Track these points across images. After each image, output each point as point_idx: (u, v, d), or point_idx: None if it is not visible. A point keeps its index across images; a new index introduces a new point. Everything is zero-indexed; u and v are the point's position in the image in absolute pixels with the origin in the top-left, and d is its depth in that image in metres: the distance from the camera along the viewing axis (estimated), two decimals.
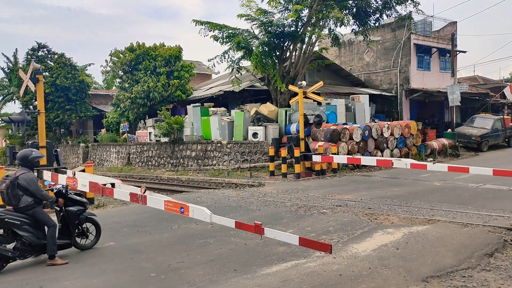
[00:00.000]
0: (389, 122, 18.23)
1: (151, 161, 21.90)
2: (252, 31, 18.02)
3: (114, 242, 6.71)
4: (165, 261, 5.66)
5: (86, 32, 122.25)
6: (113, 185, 6.59)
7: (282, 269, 5.15)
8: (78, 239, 6.29)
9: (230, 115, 19.22)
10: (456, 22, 27.09)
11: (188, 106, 21.52)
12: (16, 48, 61.36)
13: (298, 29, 17.75)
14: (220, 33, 17.85)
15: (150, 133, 22.94)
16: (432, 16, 26.54)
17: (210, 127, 19.15)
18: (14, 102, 34.75)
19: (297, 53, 18.72)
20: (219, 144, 18.12)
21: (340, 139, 15.49)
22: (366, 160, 12.32)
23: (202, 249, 6.17)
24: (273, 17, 17.57)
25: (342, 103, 19.38)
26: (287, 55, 18.89)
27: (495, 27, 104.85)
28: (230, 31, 17.73)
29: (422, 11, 19.48)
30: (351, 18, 18.58)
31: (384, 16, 19.29)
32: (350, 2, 17.89)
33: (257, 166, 16.19)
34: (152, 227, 7.65)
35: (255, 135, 17.02)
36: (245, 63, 19.09)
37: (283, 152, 14.28)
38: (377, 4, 18.56)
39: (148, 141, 22.89)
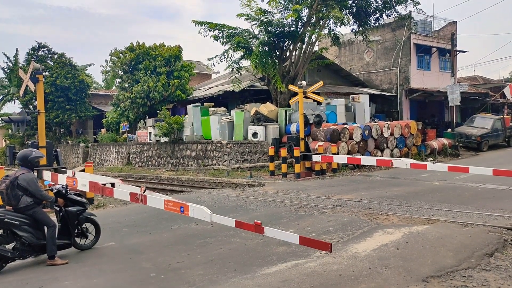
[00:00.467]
0: (389, 122, 18.22)
1: (151, 161, 21.90)
2: (252, 31, 18.03)
3: (114, 242, 6.71)
4: (165, 261, 5.66)
5: (86, 32, 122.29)
6: (113, 185, 6.59)
7: (282, 269, 5.15)
8: (77, 239, 6.28)
9: (230, 115, 19.22)
10: (456, 22, 27.10)
11: (188, 106, 21.52)
12: (17, 48, 61.23)
13: (298, 29, 17.74)
14: (220, 32, 17.86)
15: (150, 133, 22.94)
16: (432, 16, 26.55)
17: (210, 127, 19.15)
18: (14, 102, 34.73)
19: (297, 53, 18.72)
20: (219, 144, 18.12)
21: (340, 139, 15.49)
22: (366, 160, 12.31)
23: (202, 249, 6.16)
24: (273, 16, 17.57)
25: (342, 103, 19.38)
26: (287, 55, 18.89)
27: (495, 27, 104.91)
28: (230, 31, 17.73)
29: (422, 11, 19.51)
30: (351, 18, 18.59)
31: (384, 16, 19.31)
32: (350, 2, 17.90)
33: (257, 166, 16.19)
34: (152, 227, 7.65)
35: (255, 135, 17.02)
36: (245, 63, 19.12)
37: (283, 152, 14.28)
38: (377, 4, 18.56)
39: (148, 141, 22.88)
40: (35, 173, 7.22)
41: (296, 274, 4.94)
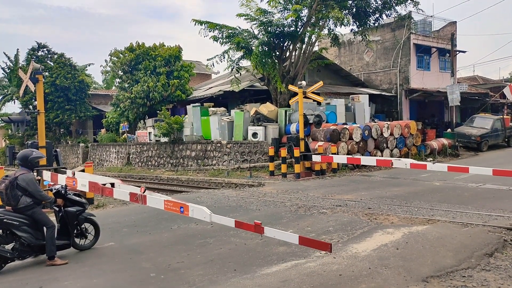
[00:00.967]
0: (388, 122, 18.23)
1: (151, 161, 21.90)
2: (251, 31, 18.03)
3: (114, 242, 6.71)
4: (165, 261, 5.66)
5: (86, 32, 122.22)
6: (112, 185, 6.59)
7: (282, 269, 5.15)
8: (77, 240, 6.28)
9: (230, 115, 19.21)
10: (455, 22, 27.11)
11: (188, 106, 21.52)
12: (18, 49, 61.06)
13: (298, 29, 17.74)
14: (219, 33, 17.85)
15: (149, 133, 22.93)
16: (431, 16, 26.56)
17: (210, 127, 19.14)
18: (14, 102, 34.77)
19: (297, 53, 18.72)
20: (219, 144, 18.11)
21: (340, 139, 15.49)
22: (365, 160, 12.32)
23: (202, 249, 6.16)
24: (273, 17, 17.57)
25: (342, 103, 19.38)
26: (287, 55, 18.89)
27: (494, 27, 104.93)
28: (229, 31, 17.72)
29: (422, 10, 19.50)
30: (350, 18, 18.58)
31: (384, 16, 19.30)
32: (350, 2, 17.89)
33: (257, 166, 16.19)
34: (152, 227, 7.65)
35: (255, 135, 17.02)
36: (245, 63, 19.12)
37: (283, 152, 14.28)
38: (376, 4, 18.56)
39: (148, 141, 22.88)
40: (35, 174, 7.21)
41: (296, 274, 4.94)
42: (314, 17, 17.36)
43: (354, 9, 18.40)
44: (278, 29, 17.41)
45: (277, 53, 18.46)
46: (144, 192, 5.85)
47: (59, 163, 9.88)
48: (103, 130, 28.99)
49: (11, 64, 33.14)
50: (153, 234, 7.16)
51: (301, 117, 14.17)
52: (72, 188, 6.68)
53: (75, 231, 6.22)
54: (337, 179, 13.39)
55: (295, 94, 15.02)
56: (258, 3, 18.76)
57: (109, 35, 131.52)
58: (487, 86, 31.17)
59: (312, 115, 16.16)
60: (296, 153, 13.67)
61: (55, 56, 30.25)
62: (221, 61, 18.51)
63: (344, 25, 18.29)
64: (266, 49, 17.59)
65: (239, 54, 18.31)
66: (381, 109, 24.72)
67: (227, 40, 17.81)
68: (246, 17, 17.53)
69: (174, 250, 6.16)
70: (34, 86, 10.03)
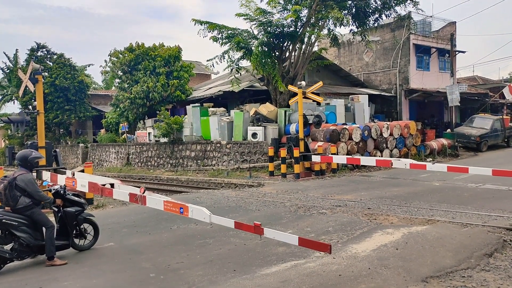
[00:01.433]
0: (388, 122, 18.23)
1: (151, 162, 21.89)
2: (251, 31, 18.01)
3: (113, 243, 6.70)
4: (164, 262, 5.66)
5: (86, 32, 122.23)
6: (112, 185, 6.59)
7: (282, 270, 5.15)
8: (76, 240, 6.27)
9: (229, 115, 19.21)
10: (455, 22, 27.12)
11: (187, 106, 21.51)
12: (17, 49, 61.01)
13: (298, 29, 17.74)
14: (219, 33, 17.83)
15: (149, 133, 22.92)
16: (431, 16, 26.57)
17: (209, 127, 19.14)
18: (14, 102, 34.74)
19: (296, 53, 18.72)
20: (218, 144, 18.11)
21: (340, 139, 15.49)
22: (365, 160, 12.31)
23: (201, 249, 6.16)
24: (272, 17, 17.55)
25: (341, 103, 19.38)
26: (287, 55, 18.89)
27: (494, 27, 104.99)
28: (229, 32, 17.71)
29: (422, 10, 19.49)
30: (350, 18, 18.58)
31: (384, 16, 19.29)
32: (350, 2, 17.90)
33: (257, 166, 16.19)
34: (152, 228, 7.64)
35: (254, 135, 17.01)
36: (244, 63, 19.11)
37: (283, 152, 14.28)
38: (376, 4, 18.55)
39: (148, 142, 22.87)
40: (34, 174, 7.21)
41: (295, 275, 4.94)
42: (313, 17, 17.36)
43: (354, 9, 18.40)
44: (277, 29, 17.40)
45: (277, 53, 18.45)
46: (143, 193, 5.85)
47: (59, 163, 9.88)
48: (102, 131, 28.98)
49: (10, 65, 33.13)
50: (152, 235, 7.16)
51: (301, 118, 14.17)
52: (71, 189, 6.68)
53: (74, 232, 6.21)
54: (336, 180, 13.39)
55: (295, 94, 15.02)
56: (257, 3, 18.71)
57: (109, 35, 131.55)
58: (486, 86, 31.18)
59: (311, 115, 16.16)
60: (296, 153, 13.67)
61: (55, 57, 30.25)
62: (221, 62, 18.52)
63: (344, 26, 18.32)
64: (266, 49, 17.59)
65: (239, 54, 18.31)
66: (380, 109, 24.73)
67: (227, 40, 17.80)
68: (246, 17, 17.51)
69: (173, 251, 6.15)
70: (34, 87, 10.03)
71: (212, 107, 20.62)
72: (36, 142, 10.03)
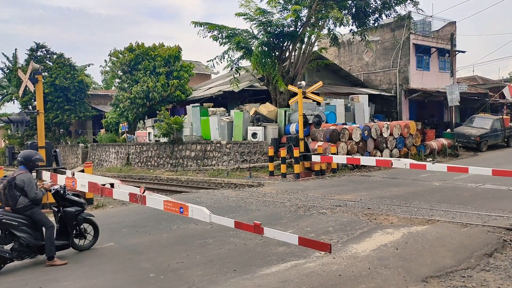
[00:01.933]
0: (388, 122, 18.22)
1: (150, 161, 21.89)
2: (251, 31, 18.02)
3: (113, 243, 6.70)
4: (164, 262, 5.65)
5: (85, 32, 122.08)
6: (112, 185, 6.59)
7: (282, 270, 5.15)
8: (76, 240, 6.27)
9: (229, 115, 19.21)
10: (455, 22, 27.10)
11: (187, 106, 21.51)
12: (16, 48, 61.06)
13: (298, 29, 17.74)
14: (219, 33, 17.84)
15: (149, 133, 22.92)
16: (431, 16, 26.55)
17: (209, 127, 19.14)
18: (13, 102, 34.74)
19: (296, 53, 18.72)
20: (218, 144, 18.11)
21: (340, 139, 15.49)
22: (365, 160, 12.32)
23: (201, 249, 6.16)
24: (272, 17, 17.54)
25: (341, 103, 19.38)
26: (287, 55, 18.88)
27: (494, 27, 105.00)
28: (229, 31, 17.71)
29: (421, 10, 19.49)
30: (350, 18, 18.58)
31: (384, 16, 19.30)
32: (350, 2, 17.89)
33: (257, 166, 16.19)
34: (152, 228, 7.64)
35: (254, 135, 17.01)
36: (244, 63, 19.11)
37: (283, 152, 14.27)
38: (376, 4, 18.56)
39: (148, 141, 22.87)
40: (34, 174, 7.21)
41: (295, 275, 4.94)
42: (313, 17, 17.36)
43: (354, 9, 18.40)
44: (277, 29, 17.40)
45: (277, 53, 18.45)
46: (143, 193, 5.85)
47: (59, 163, 9.88)
48: (102, 130, 28.97)
49: (10, 65, 33.12)
50: (152, 235, 7.16)
51: (301, 117, 14.17)
52: (71, 189, 6.68)
53: (74, 232, 6.21)
54: (336, 179, 13.39)
55: (295, 94, 15.02)
56: (257, 3, 18.72)
57: (108, 35, 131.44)
58: (486, 86, 31.17)
59: (311, 115, 16.16)
60: (296, 153, 13.67)
61: (55, 56, 30.24)
62: (221, 62, 18.51)
63: (344, 25, 18.32)
64: (266, 49, 17.57)
65: (239, 54, 18.31)
66: (380, 109, 24.72)
67: (226, 40, 17.80)
68: (245, 16, 17.51)
69: (173, 251, 6.15)
70: (34, 87, 10.03)
71: (212, 107, 20.62)
72: (36, 142, 10.03)
